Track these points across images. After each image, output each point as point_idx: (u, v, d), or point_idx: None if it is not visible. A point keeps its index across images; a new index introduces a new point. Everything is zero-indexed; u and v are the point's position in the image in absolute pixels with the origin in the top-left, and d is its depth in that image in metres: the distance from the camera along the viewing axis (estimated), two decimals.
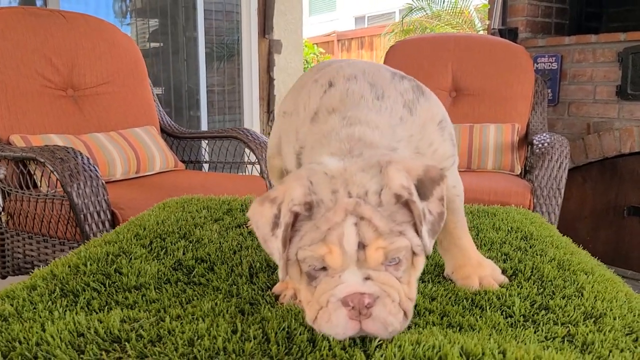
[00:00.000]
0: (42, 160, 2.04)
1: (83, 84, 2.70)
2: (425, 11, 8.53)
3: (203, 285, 1.10)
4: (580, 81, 3.56)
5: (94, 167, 2.06)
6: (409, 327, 0.89)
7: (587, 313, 0.96)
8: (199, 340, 0.82)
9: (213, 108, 4.72)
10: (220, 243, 1.34)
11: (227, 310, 0.95)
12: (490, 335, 0.87)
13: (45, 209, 2.12)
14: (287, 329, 0.86)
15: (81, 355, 0.80)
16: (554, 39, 3.71)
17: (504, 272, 1.17)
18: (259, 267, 1.18)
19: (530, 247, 1.31)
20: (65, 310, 0.95)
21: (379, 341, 0.80)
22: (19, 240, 2.30)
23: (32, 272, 1.13)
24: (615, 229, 3.48)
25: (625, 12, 3.71)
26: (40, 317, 0.92)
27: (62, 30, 2.66)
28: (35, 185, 2.29)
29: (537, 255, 1.25)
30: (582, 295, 1.04)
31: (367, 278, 0.78)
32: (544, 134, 2.81)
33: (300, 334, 0.84)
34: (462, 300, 1.02)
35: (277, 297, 1.04)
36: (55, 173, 1.99)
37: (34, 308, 0.96)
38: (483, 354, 0.77)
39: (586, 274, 1.13)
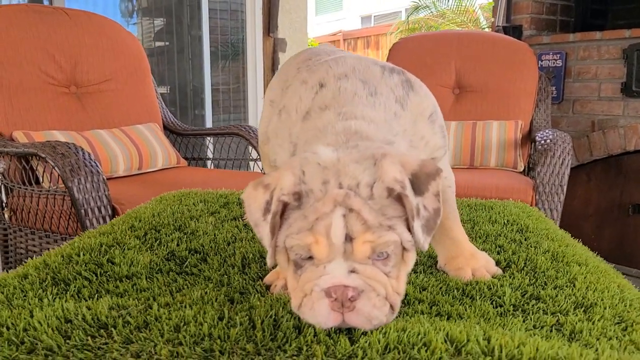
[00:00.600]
0: (43, 155, 2.05)
1: (86, 81, 2.72)
2: (430, 10, 8.52)
3: (195, 275, 1.10)
4: (585, 78, 3.54)
5: (95, 162, 2.07)
6: (397, 317, 0.89)
7: (577, 303, 0.96)
8: (185, 327, 0.83)
9: (218, 107, 4.73)
10: (214, 235, 1.34)
11: (216, 299, 0.96)
12: (478, 323, 0.87)
13: (47, 204, 2.13)
14: (274, 317, 0.86)
15: (67, 341, 0.80)
16: (558, 36, 3.69)
17: (497, 263, 1.16)
18: (251, 258, 1.18)
19: (525, 240, 1.30)
20: (55, 298, 0.95)
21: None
22: (21, 236, 2.31)
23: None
24: (620, 227, 3.45)
25: (631, 9, 3.68)
26: (30, 305, 0.92)
27: (65, 28, 2.67)
28: (37, 182, 2.30)
29: (531, 247, 1.25)
30: (574, 285, 1.03)
31: (353, 271, 0.78)
32: (547, 131, 2.79)
33: (286, 321, 0.84)
34: (453, 290, 1.02)
35: (268, 287, 1.05)
36: (56, 168, 2.00)
37: (24, 296, 0.97)
38: (468, 340, 0.76)
39: (579, 265, 1.13)
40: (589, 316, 0.90)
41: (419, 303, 0.96)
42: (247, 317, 0.86)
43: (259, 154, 2.71)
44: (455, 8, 8.15)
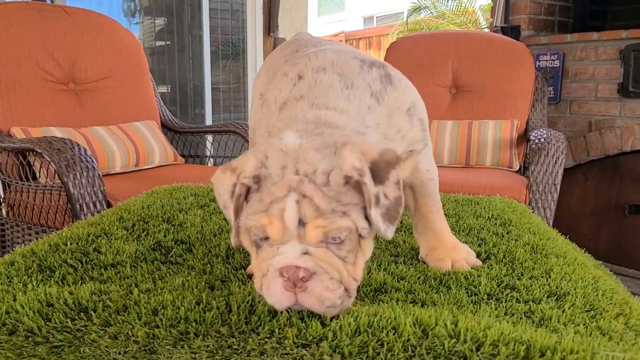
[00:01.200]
0: (39, 150, 2.08)
1: (84, 78, 2.75)
2: (430, 11, 8.54)
3: (179, 264, 1.12)
4: (582, 79, 3.54)
5: (90, 158, 2.09)
6: (372, 303, 0.91)
7: (550, 292, 0.97)
8: (163, 310, 0.85)
9: (218, 106, 4.76)
10: (202, 226, 1.36)
11: (197, 286, 0.98)
12: (450, 310, 0.88)
13: (44, 199, 2.16)
14: (250, 302, 0.88)
15: (47, 323, 0.83)
16: (556, 36, 3.70)
17: (478, 255, 1.18)
18: (236, 249, 1.20)
19: (507, 233, 1.32)
20: (39, 284, 0.98)
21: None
22: (18, 231, 2.34)
23: None
24: (616, 227, 3.46)
25: (630, 10, 3.69)
26: (14, 289, 0.94)
27: (63, 25, 2.70)
28: (34, 177, 2.33)
29: (512, 240, 1.26)
30: (549, 276, 1.05)
31: (306, 253, 0.80)
32: (541, 130, 2.81)
33: (262, 305, 0.86)
34: (430, 280, 1.04)
35: (250, 276, 1.07)
36: (52, 163, 2.03)
37: (10, 281, 0.99)
38: (436, 324, 0.78)
39: (557, 257, 1.14)
40: (560, 304, 0.92)
41: (395, 291, 0.98)
42: (225, 302, 0.88)
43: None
44: (455, 9, 8.17)
